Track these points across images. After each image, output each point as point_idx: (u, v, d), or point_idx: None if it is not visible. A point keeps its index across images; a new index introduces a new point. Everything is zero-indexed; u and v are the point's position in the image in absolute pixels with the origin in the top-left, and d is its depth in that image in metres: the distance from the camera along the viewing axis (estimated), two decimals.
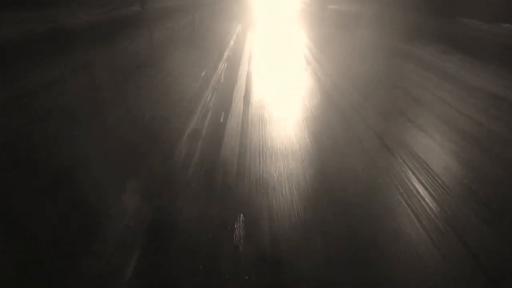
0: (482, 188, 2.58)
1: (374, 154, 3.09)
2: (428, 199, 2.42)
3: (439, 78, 5.52)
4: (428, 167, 2.83)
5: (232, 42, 8.66)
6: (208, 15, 14.16)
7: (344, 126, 3.72)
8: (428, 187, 2.56)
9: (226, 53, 7.29)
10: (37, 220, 2.14)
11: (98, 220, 2.14)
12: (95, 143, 3.14)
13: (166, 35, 8.90)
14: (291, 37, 10.25)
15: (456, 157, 3.05)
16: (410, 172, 2.77)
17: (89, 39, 7.16)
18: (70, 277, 1.73)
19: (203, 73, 5.61)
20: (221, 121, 3.75)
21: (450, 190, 2.53)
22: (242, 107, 4.19)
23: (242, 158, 2.96)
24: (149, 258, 1.88)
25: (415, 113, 4.04)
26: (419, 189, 2.53)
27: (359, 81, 5.41)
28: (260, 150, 3.11)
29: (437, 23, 11.06)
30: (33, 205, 2.28)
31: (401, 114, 4.03)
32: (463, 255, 1.94)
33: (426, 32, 9.68)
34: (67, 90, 4.49)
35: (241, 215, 2.22)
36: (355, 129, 3.63)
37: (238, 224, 2.14)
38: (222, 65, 6.26)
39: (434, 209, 2.32)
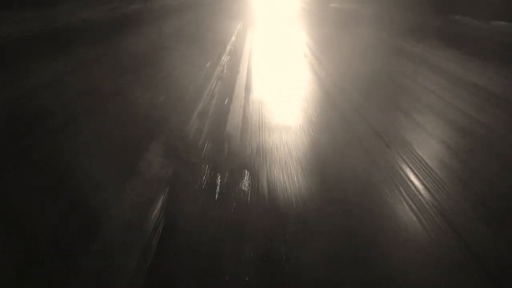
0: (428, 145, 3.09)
1: (348, 115, 3.60)
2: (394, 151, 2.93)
3: (423, 68, 6.02)
4: (388, 123, 3.34)
5: (233, 38, 9.17)
6: (209, 14, 14.65)
7: (329, 96, 4.24)
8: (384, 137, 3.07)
9: (228, 47, 7.79)
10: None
11: None
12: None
13: (172, 31, 9.41)
14: (290, 30, 10.76)
15: (423, 123, 3.56)
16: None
17: (110, 31, 7.72)
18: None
19: (208, 64, 6.13)
20: (225, 103, 4.27)
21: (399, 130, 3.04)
22: (243, 93, 4.70)
23: (244, 131, 3.47)
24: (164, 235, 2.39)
25: (398, 96, 4.55)
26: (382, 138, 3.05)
27: (353, 67, 5.92)
28: (259, 126, 3.62)
29: (432, 21, 11.57)
30: None
31: (389, 99, 4.54)
32: (418, 198, 2.45)
33: (421, 29, 10.16)
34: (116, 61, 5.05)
35: (246, 171, 2.73)
36: (340, 103, 4.15)
37: (245, 177, 2.65)
38: (225, 58, 6.77)
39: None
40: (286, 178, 2.65)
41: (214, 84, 5.03)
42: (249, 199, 2.40)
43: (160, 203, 2.31)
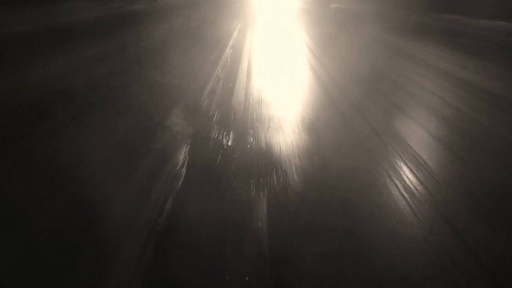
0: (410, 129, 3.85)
1: (330, 87, 4.36)
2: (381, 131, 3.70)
3: (405, 59, 6.79)
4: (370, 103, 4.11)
5: (235, 33, 9.94)
6: (210, 13, 15.39)
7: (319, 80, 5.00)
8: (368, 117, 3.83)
9: (231, 42, 8.56)
10: None
11: None
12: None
13: (178, 27, 10.16)
14: (287, 26, 11.53)
15: (401, 105, 4.33)
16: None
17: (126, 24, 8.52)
18: None
19: (214, 55, 6.90)
20: (230, 85, 5.04)
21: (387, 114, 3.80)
22: (245, 79, 5.47)
23: (247, 105, 4.23)
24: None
25: (380, 83, 5.33)
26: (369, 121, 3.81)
27: (345, 59, 6.69)
28: (259, 102, 4.38)
29: (425, 19, 12.39)
30: None
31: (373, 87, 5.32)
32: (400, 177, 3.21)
33: (414, 26, 10.95)
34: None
35: (252, 132, 3.50)
36: (329, 87, 4.91)
37: (249, 135, 3.41)
38: (228, 51, 7.53)
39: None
40: (280, 136, 3.42)
41: (220, 71, 5.79)
42: (250, 147, 3.16)
43: (182, 157, 3.04)
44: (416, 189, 2.54)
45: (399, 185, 2.59)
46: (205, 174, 2.72)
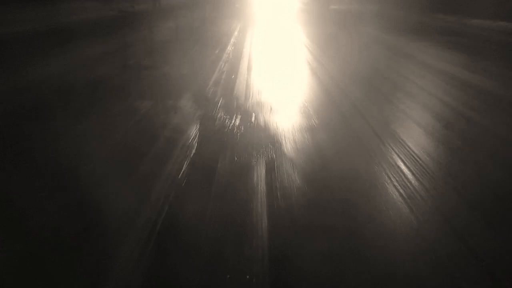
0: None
1: (331, 88, 4.89)
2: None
3: (398, 56, 7.32)
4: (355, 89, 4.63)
5: (236, 33, 10.48)
6: (211, 13, 15.93)
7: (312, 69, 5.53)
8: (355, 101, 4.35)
9: (232, 40, 9.10)
10: None
11: None
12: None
13: (182, 25, 10.70)
14: (287, 26, 12.07)
15: (386, 92, 4.85)
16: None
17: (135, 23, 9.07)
18: None
19: (217, 51, 7.43)
20: (233, 77, 5.57)
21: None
22: (246, 72, 6.00)
23: (248, 94, 4.76)
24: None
25: (375, 79, 5.86)
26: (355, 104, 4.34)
27: (340, 53, 7.23)
28: (258, 91, 4.92)
29: (420, 18, 12.93)
30: None
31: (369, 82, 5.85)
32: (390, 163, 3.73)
33: (409, 25, 11.48)
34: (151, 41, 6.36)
35: (253, 114, 4.02)
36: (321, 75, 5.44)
37: (253, 118, 3.94)
38: (230, 48, 8.07)
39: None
40: (276, 117, 3.94)
41: (222, 65, 6.33)
42: (251, 125, 3.69)
43: (194, 132, 3.57)
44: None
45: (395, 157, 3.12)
46: (214, 145, 3.25)
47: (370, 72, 6.00)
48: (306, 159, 3.01)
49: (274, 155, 3.06)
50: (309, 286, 1.76)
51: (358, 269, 1.86)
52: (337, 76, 5.74)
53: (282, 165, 2.90)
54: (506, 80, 5.50)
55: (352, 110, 4.19)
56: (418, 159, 3.02)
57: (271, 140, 3.34)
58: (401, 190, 2.56)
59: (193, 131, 3.52)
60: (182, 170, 2.78)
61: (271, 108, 4.23)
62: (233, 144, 3.26)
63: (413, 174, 2.79)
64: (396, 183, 2.66)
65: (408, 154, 3.10)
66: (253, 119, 3.88)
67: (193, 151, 3.11)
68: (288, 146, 3.23)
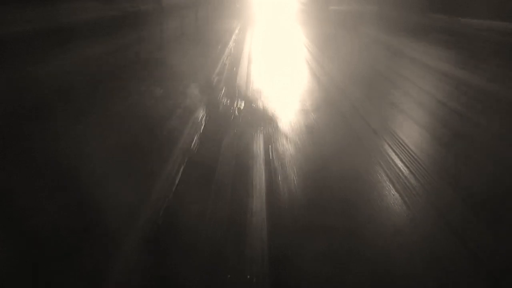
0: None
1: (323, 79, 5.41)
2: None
3: (386, 50, 7.85)
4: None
5: (237, 31, 11.02)
6: (213, 12, 16.47)
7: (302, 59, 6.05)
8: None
9: (233, 37, 9.63)
10: None
11: None
12: None
13: (186, 24, 11.23)
14: (286, 24, 12.60)
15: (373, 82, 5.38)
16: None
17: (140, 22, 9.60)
18: None
19: (219, 46, 7.97)
20: (234, 69, 6.10)
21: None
22: (246, 66, 6.52)
23: (248, 83, 5.29)
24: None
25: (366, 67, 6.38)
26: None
27: (337, 47, 7.76)
28: (258, 82, 5.44)
29: (419, 19, 13.45)
30: None
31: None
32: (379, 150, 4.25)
33: (409, 25, 11.95)
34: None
35: (253, 99, 4.55)
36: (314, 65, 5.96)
37: (252, 103, 4.46)
38: (232, 44, 8.60)
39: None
40: (274, 103, 4.47)
41: (225, 59, 6.86)
42: (251, 109, 4.22)
43: (202, 114, 4.08)
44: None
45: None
46: (219, 123, 3.77)
47: (369, 72, 6.50)
48: (298, 133, 3.54)
49: (271, 131, 3.58)
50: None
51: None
52: (329, 66, 6.27)
53: (277, 138, 3.42)
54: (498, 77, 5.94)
55: (348, 109, 4.71)
56: (402, 143, 3.54)
57: (269, 121, 3.86)
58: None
59: (201, 112, 4.04)
60: (194, 141, 3.30)
61: (268, 95, 4.75)
62: (236, 122, 3.79)
63: (398, 156, 3.31)
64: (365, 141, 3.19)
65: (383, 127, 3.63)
66: (252, 103, 4.41)
67: (202, 127, 3.63)
68: (283, 124, 3.75)
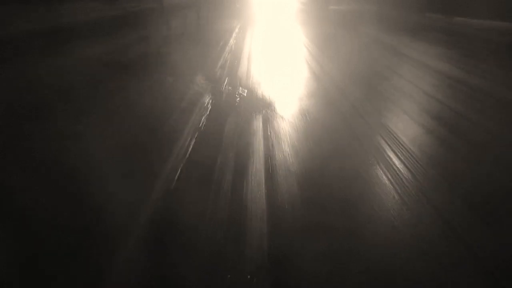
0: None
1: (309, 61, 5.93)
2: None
3: (377, 45, 8.37)
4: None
5: (237, 29, 11.54)
6: (214, 12, 17.00)
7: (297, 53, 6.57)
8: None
9: (234, 35, 10.15)
10: None
11: None
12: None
13: (189, 22, 11.77)
14: (286, 24, 13.12)
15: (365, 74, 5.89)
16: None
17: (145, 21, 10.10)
18: None
19: (221, 43, 8.50)
20: (236, 63, 6.62)
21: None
22: (247, 61, 7.04)
23: (248, 75, 5.82)
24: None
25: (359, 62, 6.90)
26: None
27: (333, 42, 8.28)
28: (257, 75, 5.97)
29: (410, 17, 13.95)
30: None
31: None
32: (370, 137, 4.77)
33: (408, 25, 12.46)
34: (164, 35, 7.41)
35: (253, 88, 5.07)
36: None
37: (252, 91, 4.98)
38: (232, 41, 9.12)
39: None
40: (272, 92, 4.99)
41: (226, 55, 7.38)
42: (252, 96, 4.74)
43: (208, 99, 4.60)
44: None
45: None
46: (223, 108, 4.29)
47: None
48: (293, 115, 4.07)
49: (269, 113, 4.11)
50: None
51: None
52: (328, 66, 6.80)
53: (274, 119, 3.95)
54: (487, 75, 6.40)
55: (339, 97, 5.25)
56: (396, 138, 4.06)
57: (267, 106, 4.39)
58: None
59: (207, 98, 4.56)
60: (202, 121, 3.82)
61: (267, 85, 5.29)
62: (238, 107, 4.31)
63: (389, 145, 3.83)
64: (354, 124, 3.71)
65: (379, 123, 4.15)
66: (252, 92, 4.94)
67: (208, 110, 4.16)
68: (280, 109, 4.28)
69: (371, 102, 4.56)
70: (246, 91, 4.94)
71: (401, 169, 2.88)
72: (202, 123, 3.77)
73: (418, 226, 2.21)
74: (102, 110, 4.10)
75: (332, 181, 2.71)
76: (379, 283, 1.81)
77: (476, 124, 3.88)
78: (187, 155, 3.07)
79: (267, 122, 3.83)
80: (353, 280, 1.81)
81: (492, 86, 5.29)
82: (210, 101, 4.43)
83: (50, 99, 4.42)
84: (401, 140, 3.40)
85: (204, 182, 2.64)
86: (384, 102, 4.62)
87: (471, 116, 4.09)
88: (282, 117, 3.99)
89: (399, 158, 3.05)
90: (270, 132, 3.56)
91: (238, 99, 4.61)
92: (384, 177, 2.77)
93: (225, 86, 5.14)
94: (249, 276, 1.80)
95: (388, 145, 3.31)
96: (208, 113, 4.06)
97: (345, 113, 4.18)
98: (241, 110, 4.19)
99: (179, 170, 2.81)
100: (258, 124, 3.79)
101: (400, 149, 3.23)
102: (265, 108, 4.28)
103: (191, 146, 3.22)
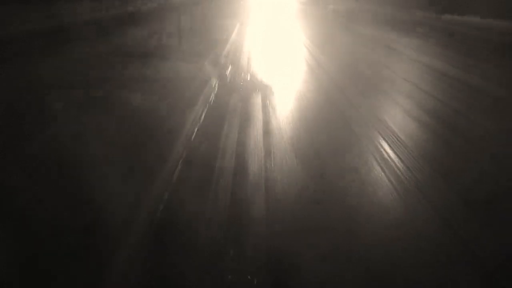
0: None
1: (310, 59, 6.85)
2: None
3: (364, 39, 9.25)
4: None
5: (238, 25, 12.44)
6: (217, 10, 17.84)
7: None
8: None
9: (235, 31, 11.06)
10: None
11: None
12: None
13: (194, 19, 12.69)
14: (285, 22, 14.01)
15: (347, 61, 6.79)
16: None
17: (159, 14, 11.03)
18: None
19: (225, 36, 9.44)
20: (237, 54, 7.57)
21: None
22: (248, 51, 7.93)
23: (249, 63, 6.74)
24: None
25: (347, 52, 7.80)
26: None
27: (329, 36, 9.19)
28: (258, 63, 6.90)
29: (402, 14, 14.77)
30: None
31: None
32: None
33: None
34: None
35: (254, 73, 5.99)
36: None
37: (254, 75, 5.91)
38: (235, 36, 10.04)
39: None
40: (271, 75, 5.90)
41: (229, 47, 8.28)
42: (253, 80, 5.65)
43: (215, 81, 5.48)
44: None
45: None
46: (229, 89, 5.10)
47: (351, 56, 7.94)
48: (288, 94, 4.98)
49: (267, 91, 4.97)
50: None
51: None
52: (314, 48, 7.72)
53: (272, 96, 4.80)
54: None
55: (327, 79, 6.19)
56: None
57: (265, 86, 5.23)
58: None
59: (214, 80, 5.37)
60: (211, 98, 4.63)
61: (265, 70, 6.20)
62: (240, 87, 5.20)
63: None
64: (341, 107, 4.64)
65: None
66: (254, 75, 5.85)
67: (216, 89, 5.00)
68: (276, 89, 5.13)
69: (351, 80, 5.49)
70: (247, 75, 5.84)
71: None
72: (211, 100, 4.57)
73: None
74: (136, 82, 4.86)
75: (313, 135, 3.56)
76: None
77: (427, 93, 4.78)
78: (202, 119, 3.87)
79: (265, 97, 4.69)
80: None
81: (450, 69, 6.31)
82: (216, 83, 5.25)
83: (94, 73, 5.19)
84: (365, 101, 4.29)
85: (216, 135, 3.41)
86: (358, 76, 5.52)
87: (427, 88, 5.05)
88: (278, 96, 4.84)
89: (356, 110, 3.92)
90: (267, 103, 4.44)
91: (241, 82, 5.49)
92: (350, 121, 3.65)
93: (229, 71, 6.04)
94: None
95: (352, 104, 4.21)
96: (215, 92, 4.86)
97: (328, 89, 5.09)
98: (243, 90, 5.02)
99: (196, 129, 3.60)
100: (258, 99, 4.64)
101: (360, 102, 4.10)
102: (264, 88, 5.12)
103: (202, 118, 3.98)
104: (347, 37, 10.73)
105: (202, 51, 7.38)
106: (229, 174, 2.72)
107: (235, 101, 4.52)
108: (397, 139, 3.41)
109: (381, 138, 3.44)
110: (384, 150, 3.20)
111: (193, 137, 3.40)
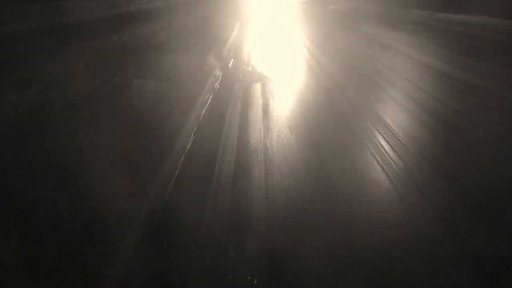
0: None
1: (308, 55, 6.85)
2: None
3: (357, 35, 9.27)
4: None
5: (238, 25, 12.48)
6: (217, 10, 17.91)
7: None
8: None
9: (236, 28, 11.09)
10: None
11: None
12: None
13: (196, 17, 12.68)
14: (285, 21, 14.03)
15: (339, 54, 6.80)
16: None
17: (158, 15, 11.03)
18: None
19: (226, 33, 9.45)
20: (239, 49, 7.57)
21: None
22: (248, 47, 8.00)
23: (250, 57, 6.85)
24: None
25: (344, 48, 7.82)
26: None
27: (326, 33, 9.20)
28: (259, 55, 6.91)
29: (399, 13, 14.77)
30: None
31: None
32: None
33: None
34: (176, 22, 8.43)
35: (254, 65, 6.00)
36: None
37: (254, 67, 5.91)
38: (236, 33, 10.05)
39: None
40: (270, 68, 5.97)
41: (230, 44, 8.34)
42: (254, 71, 5.70)
43: (219, 72, 5.54)
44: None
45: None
46: (231, 79, 5.49)
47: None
48: (285, 83, 5.31)
49: (267, 81, 5.21)
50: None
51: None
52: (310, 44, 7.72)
53: (270, 84, 5.06)
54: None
55: (325, 77, 6.25)
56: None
57: (265, 77, 5.49)
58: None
59: (218, 71, 5.64)
60: (216, 84, 5.01)
61: (265, 63, 6.38)
62: (241, 77, 5.54)
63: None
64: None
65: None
66: (254, 67, 5.92)
67: (220, 79, 5.25)
68: (275, 80, 5.45)
69: (344, 73, 5.66)
70: (248, 67, 6.16)
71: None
72: (216, 86, 5.01)
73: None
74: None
75: (309, 121, 3.92)
76: None
77: (414, 83, 5.00)
78: (208, 104, 4.30)
79: (265, 86, 5.05)
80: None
81: (439, 63, 6.48)
82: (221, 73, 5.68)
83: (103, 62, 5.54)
84: (357, 93, 4.61)
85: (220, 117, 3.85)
86: (358, 76, 5.68)
87: (415, 81, 5.30)
88: (276, 84, 5.21)
89: (348, 100, 4.19)
90: (265, 90, 4.80)
91: (242, 73, 5.82)
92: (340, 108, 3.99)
93: (231, 64, 6.40)
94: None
95: (344, 93, 4.52)
96: (219, 81, 5.28)
97: (322, 80, 5.27)
98: (244, 80, 5.40)
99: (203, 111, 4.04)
100: (258, 87, 4.96)
101: (353, 92, 4.42)
102: (264, 78, 5.48)
103: (209, 101, 4.41)
104: (347, 37, 10.77)
105: (205, 46, 7.57)
106: (233, 142, 3.26)
107: (237, 88, 4.93)
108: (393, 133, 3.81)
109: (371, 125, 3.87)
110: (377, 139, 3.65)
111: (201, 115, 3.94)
